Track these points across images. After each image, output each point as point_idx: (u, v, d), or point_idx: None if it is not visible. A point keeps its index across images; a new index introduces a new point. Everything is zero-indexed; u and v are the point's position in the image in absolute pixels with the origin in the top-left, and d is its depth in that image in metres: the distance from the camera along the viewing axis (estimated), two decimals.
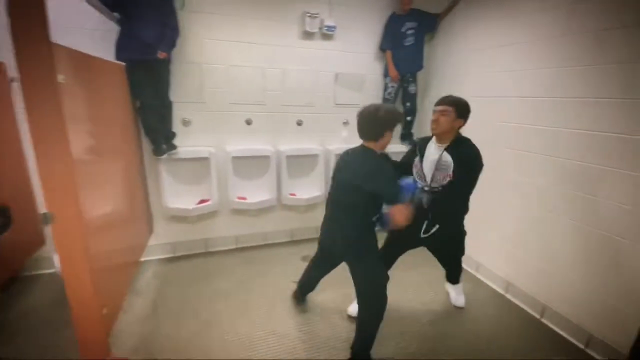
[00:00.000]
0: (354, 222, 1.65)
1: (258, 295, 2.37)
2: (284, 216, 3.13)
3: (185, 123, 2.64)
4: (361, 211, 1.62)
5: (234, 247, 3.05)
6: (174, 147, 2.57)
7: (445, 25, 2.95)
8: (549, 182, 2.09)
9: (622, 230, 1.73)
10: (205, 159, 2.64)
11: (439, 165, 1.78)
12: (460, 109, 1.75)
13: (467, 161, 1.74)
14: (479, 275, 2.69)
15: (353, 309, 2.13)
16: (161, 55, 2.25)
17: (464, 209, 1.89)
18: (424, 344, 1.96)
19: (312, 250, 3.03)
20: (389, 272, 1.87)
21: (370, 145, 1.62)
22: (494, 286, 2.55)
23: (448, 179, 1.76)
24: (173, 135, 2.59)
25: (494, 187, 2.45)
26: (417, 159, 1.91)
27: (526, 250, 2.29)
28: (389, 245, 2.10)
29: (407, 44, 2.93)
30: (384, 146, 1.64)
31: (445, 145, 1.78)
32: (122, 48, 2.19)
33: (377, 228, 1.71)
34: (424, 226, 1.88)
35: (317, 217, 3.29)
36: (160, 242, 2.83)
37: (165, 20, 2.28)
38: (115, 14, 2.17)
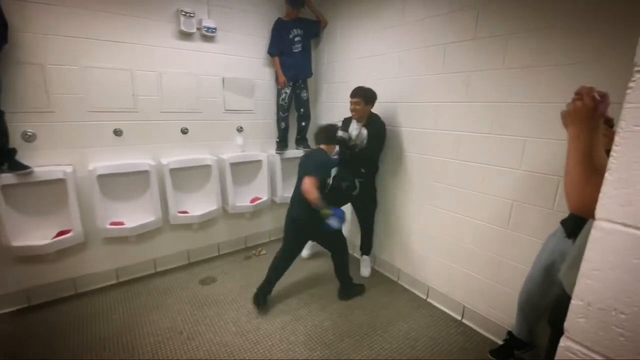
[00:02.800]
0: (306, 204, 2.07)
1: (145, 334, 2.02)
2: (174, 237, 2.77)
3: (28, 138, 2.10)
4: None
5: (114, 282, 2.56)
6: (22, 166, 2.02)
7: (327, 33, 3.07)
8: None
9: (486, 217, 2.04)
10: (60, 180, 2.14)
11: (359, 137, 2.46)
12: (366, 98, 2.38)
13: (375, 133, 2.42)
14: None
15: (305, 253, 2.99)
16: None
17: (375, 168, 2.58)
18: None
19: (212, 270, 2.80)
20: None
21: (324, 147, 2.24)
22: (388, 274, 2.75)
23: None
24: (13, 152, 2.04)
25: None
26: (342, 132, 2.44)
27: (407, 236, 2.52)
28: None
29: (295, 50, 2.95)
30: (331, 151, 2.27)
31: (362, 124, 2.45)
32: None
33: (332, 223, 2.02)
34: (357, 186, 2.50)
35: (217, 232, 3.08)
36: (6, 291, 2.19)
37: None
38: None
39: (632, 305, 0.38)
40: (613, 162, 0.39)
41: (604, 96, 0.80)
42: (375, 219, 2.73)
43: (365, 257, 2.83)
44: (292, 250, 2.30)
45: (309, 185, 2.01)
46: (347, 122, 2.56)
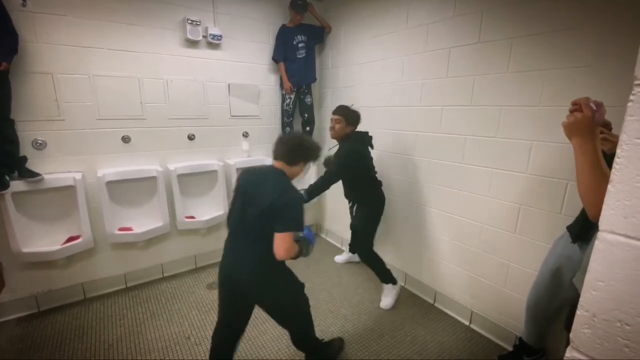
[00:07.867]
0: (262, 254, 1.40)
1: (153, 339, 2.04)
2: (182, 243, 2.80)
3: (38, 146, 2.14)
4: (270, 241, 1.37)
5: (122, 287, 2.59)
6: (32, 174, 2.06)
7: (331, 38, 3.10)
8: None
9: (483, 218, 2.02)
10: (70, 187, 2.18)
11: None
12: (348, 117, 2.22)
13: (338, 157, 2.20)
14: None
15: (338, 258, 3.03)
16: (2, 66, 1.82)
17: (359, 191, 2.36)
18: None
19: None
20: None
21: (284, 168, 1.50)
22: None
23: None
24: (24, 160, 2.08)
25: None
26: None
27: (413, 239, 2.51)
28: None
29: (299, 56, 2.98)
30: (294, 175, 1.53)
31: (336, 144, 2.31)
32: None
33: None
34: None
35: (223, 237, 3.02)
36: (17, 296, 2.22)
37: None
38: None
39: (636, 317, 0.38)
40: (615, 174, 0.39)
41: (599, 105, 0.83)
42: (368, 243, 2.36)
43: (384, 285, 2.42)
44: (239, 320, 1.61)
45: (290, 246, 1.37)
46: None
